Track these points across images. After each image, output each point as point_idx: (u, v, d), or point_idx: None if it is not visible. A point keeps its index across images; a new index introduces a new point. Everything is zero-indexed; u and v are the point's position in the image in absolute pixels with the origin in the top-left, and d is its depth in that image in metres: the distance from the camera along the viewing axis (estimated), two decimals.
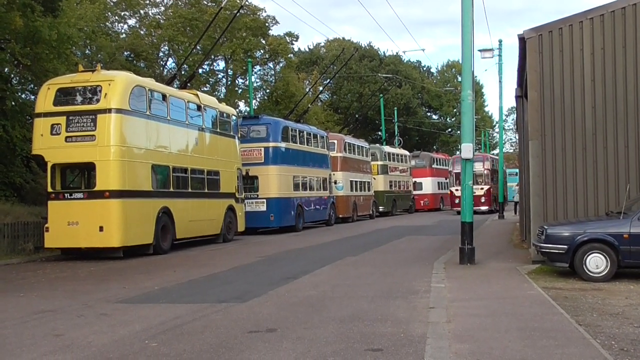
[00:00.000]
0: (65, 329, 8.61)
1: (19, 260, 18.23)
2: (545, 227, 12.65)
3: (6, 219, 20.10)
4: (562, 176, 14.02)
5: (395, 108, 65.58)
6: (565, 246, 12.04)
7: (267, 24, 49.93)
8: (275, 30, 53.09)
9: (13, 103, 25.05)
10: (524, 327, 7.92)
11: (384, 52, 77.34)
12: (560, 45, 14.12)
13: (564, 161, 14.05)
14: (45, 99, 18.70)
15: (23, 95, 28.14)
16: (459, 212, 38.44)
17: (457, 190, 41.93)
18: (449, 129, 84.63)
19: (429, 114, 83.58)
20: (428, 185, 52.85)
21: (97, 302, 10.79)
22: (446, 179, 52.95)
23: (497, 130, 79.53)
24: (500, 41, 39.23)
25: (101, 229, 17.80)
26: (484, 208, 43.68)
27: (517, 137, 68.65)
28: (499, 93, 39.30)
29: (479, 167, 42.69)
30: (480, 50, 35.44)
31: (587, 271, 11.93)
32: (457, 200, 42.37)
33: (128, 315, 9.42)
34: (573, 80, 14.06)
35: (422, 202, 52.32)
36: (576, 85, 14.05)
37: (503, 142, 48.66)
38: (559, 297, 10.12)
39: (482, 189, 44.03)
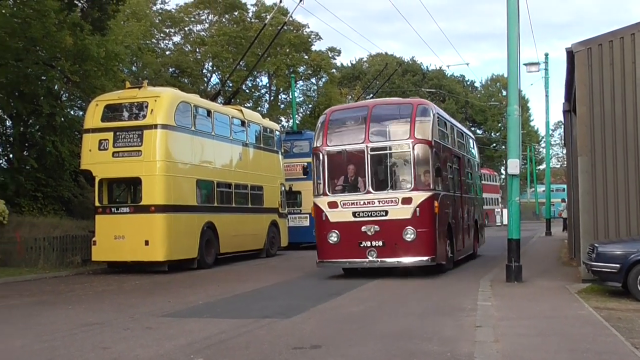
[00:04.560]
0: (113, 341, 8.68)
1: (67, 273, 18.55)
2: (596, 245, 12.35)
3: (55, 232, 20.48)
4: (613, 193, 13.68)
5: None
6: (618, 265, 11.70)
7: (310, 40, 50.21)
8: (318, 46, 53.42)
9: (62, 119, 25.58)
10: (575, 348, 7.71)
11: (427, 66, 77.17)
12: (611, 58, 13.83)
13: (615, 177, 13.71)
14: (93, 115, 19.03)
15: (72, 112, 28.71)
16: (342, 266, 16.42)
17: (332, 207, 15.75)
18: (494, 144, 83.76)
19: (472, 128, 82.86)
20: None
21: (142, 315, 10.86)
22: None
23: (543, 145, 78.52)
24: (546, 55, 38.89)
25: (147, 243, 17.98)
26: (410, 260, 15.32)
27: (564, 152, 67.58)
28: (546, 107, 38.82)
29: (397, 129, 16.12)
30: (526, 64, 34.97)
31: None
32: (332, 237, 15.65)
33: (173, 329, 9.45)
34: (624, 95, 13.74)
35: None
36: (627, 99, 13.72)
37: (550, 157, 47.14)
38: (612, 318, 9.82)
39: (404, 200, 15.34)
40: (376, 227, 15.31)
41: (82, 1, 24.24)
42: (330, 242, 15.76)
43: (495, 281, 14.46)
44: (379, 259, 15.35)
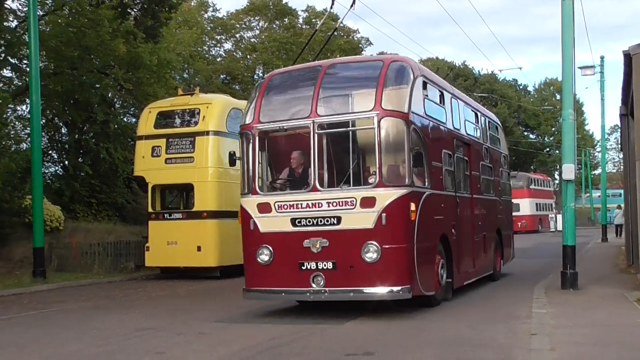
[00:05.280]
0: (167, 347, 8.77)
1: (121, 278, 18.85)
2: None
3: (109, 237, 20.88)
4: None
5: None
6: None
7: (360, 45, 50.16)
8: (368, 51, 53.29)
9: (116, 126, 26.06)
10: (635, 357, 7.49)
11: (478, 70, 76.47)
12: None
13: None
14: (146, 122, 19.32)
15: (125, 119, 29.23)
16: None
17: (264, 212, 11.18)
18: (547, 149, 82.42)
19: (525, 133, 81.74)
20: (526, 206, 51.45)
21: (195, 320, 10.95)
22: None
23: (598, 149, 76.93)
24: (602, 58, 37.92)
25: (199, 248, 18.15)
26: (372, 290, 10.52)
27: (620, 157, 66.00)
28: (601, 111, 38.03)
29: (359, 98, 11.48)
30: (580, 68, 34.19)
31: None
32: (263, 256, 11.12)
33: (226, 335, 9.51)
34: None
35: (519, 223, 50.85)
36: None
37: (605, 161, 46.01)
38: None
39: (364, 201, 10.49)
40: (324, 240, 10.58)
41: (135, 10, 24.73)
42: (260, 262, 11.07)
43: (550, 288, 14.17)
44: (326, 289, 10.53)
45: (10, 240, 19.43)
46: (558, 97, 77.17)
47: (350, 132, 10.99)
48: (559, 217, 43.83)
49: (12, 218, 19.22)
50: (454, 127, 13.48)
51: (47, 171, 26.02)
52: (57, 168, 27.47)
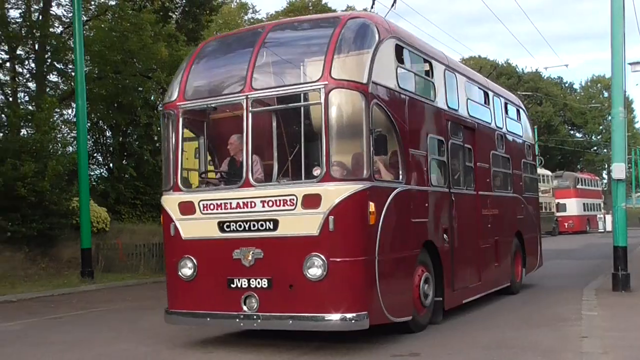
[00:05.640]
0: (214, 346, 8.84)
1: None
2: None
3: (154, 238, 21.05)
4: None
5: (536, 127, 63.49)
6: None
7: None
8: None
9: (158, 128, 26.33)
10: None
11: (522, 69, 75.53)
12: None
13: None
14: None
15: None
16: None
17: (186, 213, 8.97)
18: (595, 148, 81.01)
19: (572, 132, 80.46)
20: (573, 206, 50.59)
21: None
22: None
23: None
24: None
25: None
26: (318, 318, 7.94)
27: None
28: None
29: (308, 67, 9.09)
30: (630, 64, 33.36)
31: None
32: (185, 269, 8.77)
33: (270, 334, 9.43)
34: None
35: (566, 224, 50.09)
36: None
37: None
38: None
39: (307, 200, 7.99)
40: (257, 251, 8.18)
41: (176, 13, 24.99)
42: (182, 276, 8.74)
43: (600, 290, 13.82)
44: (259, 314, 8.17)
45: (59, 241, 19.76)
46: (606, 94, 75.86)
47: (294, 111, 8.57)
48: (608, 217, 43.01)
49: (60, 220, 19.54)
50: (448, 107, 10.71)
51: (92, 173, 26.42)
52: (102, 170, 27.91)
